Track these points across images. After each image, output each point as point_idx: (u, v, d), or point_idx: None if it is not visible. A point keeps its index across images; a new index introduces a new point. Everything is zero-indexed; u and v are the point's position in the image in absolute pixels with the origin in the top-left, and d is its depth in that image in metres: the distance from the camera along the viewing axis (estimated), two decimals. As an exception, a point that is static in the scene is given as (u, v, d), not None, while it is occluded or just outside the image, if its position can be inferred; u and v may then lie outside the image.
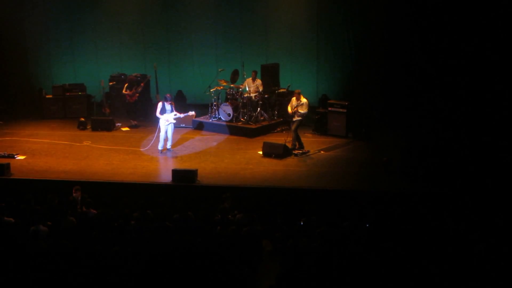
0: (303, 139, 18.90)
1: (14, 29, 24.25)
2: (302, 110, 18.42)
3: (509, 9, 19.50)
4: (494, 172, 16.07)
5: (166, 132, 18.48)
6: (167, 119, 18.35)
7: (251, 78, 20.95)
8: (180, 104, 22.59)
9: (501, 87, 19.55)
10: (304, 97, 18.63)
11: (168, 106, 18.40)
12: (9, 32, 24.19)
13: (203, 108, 22.00)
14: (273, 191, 15.81)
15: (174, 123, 18.61)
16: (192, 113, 19.63)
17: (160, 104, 18.43)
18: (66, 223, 12.99)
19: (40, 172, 17.15)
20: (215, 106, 21.08)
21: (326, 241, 11.81)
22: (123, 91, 21.49)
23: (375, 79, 22.12)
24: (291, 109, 18.54)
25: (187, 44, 24.29)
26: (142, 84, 21.36)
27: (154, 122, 19.54)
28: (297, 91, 18.75)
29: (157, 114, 18.41)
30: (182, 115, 18.77)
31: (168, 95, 18.71)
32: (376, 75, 22.13)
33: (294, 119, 18.53)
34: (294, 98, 18.63)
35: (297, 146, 18.64)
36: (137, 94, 21.22)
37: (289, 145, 18.50)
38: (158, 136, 18.61)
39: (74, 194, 14.64)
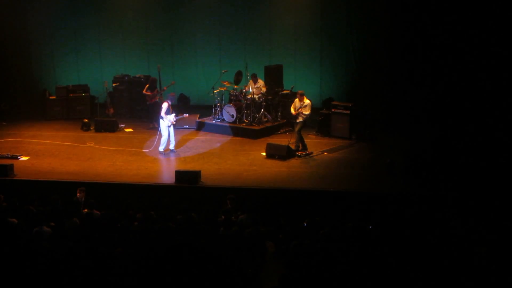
0: (306, 141, 18.88)
1: (17, 30, 24.29)
2: (306, 112, 18.42)
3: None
4: (498, 174, 16.06)
5: (169, 134, 18.49)
6: (170, 120, 18.36)
7: (251, 81, 20.96)
8: (183, 105, 22.62)
9: (506, 89, 19.52)
10: (308, 98, 18.64)
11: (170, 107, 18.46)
12: (12, 33, 24.23)
13: (206, 109, 22.01)
14: (276, 192, 15.81)
15: (175, 124, 18.64)
16: (186, 115, 19.58)
17: (165, 105, 18.43)
18: (69, 224, 12.99)
19: (44, 173, 17.18)
20: (218, 107, 21.08)
21: (329, 242, 11.80)
22: (144, 91, 21.43)
23: (379, 80, 22.12)
24: (294, 110, 18.54)
25: (190, 45, 24.31)
26: (165, 88, 21.27)
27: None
28: (300, 92, 18.75)
29: (163, 114, 18.39)
30: (178, 117, 18.78)
31: (172, 94, 18.80)
32: (380, 77, 22.13)
33: (297, 121, 18.53)
34: (297, 100, 18.63)
35: (301, 147, 18.63)
36: (157, 97, 21.14)
37: (293, 147, 18.49)
38: (160, 138, 18.60)
39: (78, 195, 14.64)
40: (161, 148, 18.62)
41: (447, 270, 10.48)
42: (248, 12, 23.74)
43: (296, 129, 18.59)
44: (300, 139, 18.65)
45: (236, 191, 15.23)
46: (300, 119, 18.49)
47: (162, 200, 14.46)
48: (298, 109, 18.43)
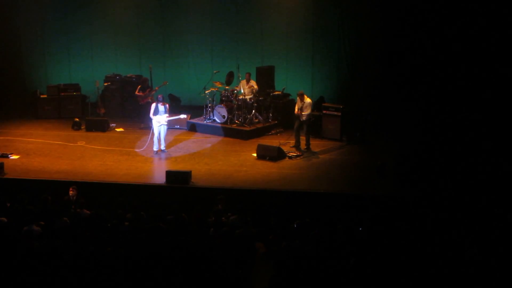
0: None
1: (8, 28, 24.19)
2: (305, 112, 18.77)
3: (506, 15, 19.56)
4: (489, 175, 16.13)
5: (159, 134, 18.49)
6: (158, 120, 18.37)
7: (245, 80, 20.98)
8: (173, 106, 22.58)
9: (498, 92, 19.59)
10: (308, 97, 18.90)
11: (161, 107, 18.40)
12: (3, 31, 24.12)
13: (197, 109, 21.99)
14: (267, 194, 15.83)
15: (167, 125, 18.63)
16: (183, 116, 19.56)
17: (153, 105, 18.47)
18: (59, 223, 12.96)
19: (34, 172, 17.13)
20: (209, 108, 21.07)
21: (319, 244, 11.82)
22: (136, 92, 21.40)
23: (370, 82, 22.14)
24: (296, 110, 18.92)
25: (182, 45, 24.29)
26: (156, 88, 21.25)
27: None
28: (299, 92, 19.06)
29: (151, 115, 18.44)
30: (173, 118, 18.77)
31: (159, 96, 18.76)
32: (371, 79, 22.16)
33: (302, 119, 18.80)
34: (298, 99, 18.91)
35: (294, 144, 18.94)
36: (149, 97, 21.13)
37: (303, 147, 18.90)
38: (152, 138, 18.62)
39: (70, 193, 14.61)
40: (154, 148, 18.62)
41: (439, 271, 10.52)
42: (240, 13, 23.72)
43: (305, 130, 18.96)
44: (296, 137, 19.10)
45: (227, 191, 15.26)
46: (303, 119, 18.71)
47: (153, 200, 14.45)
48: (299, 111, 18.82)
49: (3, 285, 10.40)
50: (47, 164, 17.82)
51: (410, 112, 20.76)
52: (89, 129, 21.15)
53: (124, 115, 22.89)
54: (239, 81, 21.12)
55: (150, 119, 18.60)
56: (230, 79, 21.18)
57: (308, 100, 18.79)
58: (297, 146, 19.09)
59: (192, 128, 21.23)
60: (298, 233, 12.58)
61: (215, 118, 20.84)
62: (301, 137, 19.32)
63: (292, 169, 17.62)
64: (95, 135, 20.71)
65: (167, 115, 18.47)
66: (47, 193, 14.51)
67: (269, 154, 18.17)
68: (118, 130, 21.36)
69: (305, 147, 19.01)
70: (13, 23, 24.22)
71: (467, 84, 19.99)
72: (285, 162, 18.07)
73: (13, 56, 24.53)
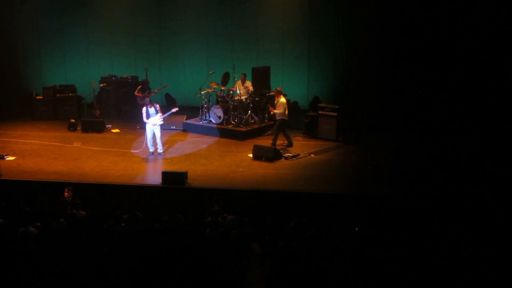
0: (294, 142, 19.25)
1: (4, 29, 24.19)
2: (276, 110, 18.79)
3: (503, 13, 19.60)
4: (484, 176, 16.16)
5: (153, 135, 18.46)
6: (153, 122, 18.35)
7: (240, 80, 21.01)
8: (170, 106, 22.56)
9: (494, 92, 19.63)
10: (284, 96, 19.14)
11: (151, 110, 18.35)
12: (-1, 32, 24.18)
13: (193, 110, 22.00)
14: (263, 194, 15.83)
15: (162, 125, 18.60)
16: (175, 109, 19.42)
17: (144, 109, 18.44)
18: (55, 224, 12.95)
19: (30, 173, 17.12)
20: (205, 108, 21.08)
21: (315, 244, 11.83)
22: (135, 92, 21.36)
23: (366, 83, 22.19)
24: (273, 109, 19.13)
25: (178, 46, 24.31)
26: (156, 91, 21.23)
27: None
28: (277, 89, 19.16)
29: (144, 119, 18.42)
30: (166, 114, 18.72)
31: (146, 99, 18.75)
32: (367, 79, 22.20)
33: (277, 118, 18.98)
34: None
35: (286, 143, 19.15)
36: (147, 98, 21.08)
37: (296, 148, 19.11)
38: (146, 141, 18.59)
39: (66, 194, 14.61)
40: (151, 149, 18.61)
41: (434, 271, 10.53)
42: (236, 14, 23.77)
43: (275, 127, 19.12)
44: (285, 136, 19.15)
45: (223, 192, 15.26)
46: (275, 117, 18.93)
47: (149, 201, 14.43)
48: (271, 106, 19.11)
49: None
50: (43, 165, 17.81)
51: (406, 112, 20.80)
52: (85, 130, 21.15)
53: (120, 116, 22.90)
54: (235, 82, 21.13)
55: (145, 122, 18.58)
56: (225, 79, 21.19)
57: (282, 99, 18.90)
58: (289, 145, 19.15)
59: (188, 128, 21.22)
60: (294, 233, 12.59)
61: (211, 118, 20.84)
62: (293, 137, 19.42)
63: (288, 169, 17.62)
64: (91, 136, 20.70)
65: (160, 114, 18.44)
66: (43, 194, 14.50)
67: (265, 155, 18.18)
68: (114, 131, 21.35)
69: (271, 145, 18.92)
70: (9, 24, 24.23)
71: (464, 84, 20.02)
72: (281, 163, 18.07)
73: (9, 57, 24.55)
